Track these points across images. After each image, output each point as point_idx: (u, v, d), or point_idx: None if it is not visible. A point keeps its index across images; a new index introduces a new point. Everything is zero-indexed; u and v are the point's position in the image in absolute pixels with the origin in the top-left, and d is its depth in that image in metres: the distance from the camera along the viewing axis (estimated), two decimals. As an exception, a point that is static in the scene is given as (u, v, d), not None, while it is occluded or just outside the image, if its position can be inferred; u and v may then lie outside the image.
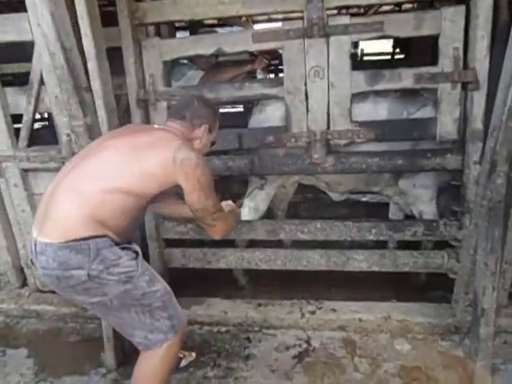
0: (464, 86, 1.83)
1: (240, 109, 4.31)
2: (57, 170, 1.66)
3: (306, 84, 1.95)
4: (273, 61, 2.41)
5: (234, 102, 2.99)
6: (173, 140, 1.40)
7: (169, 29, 2.83)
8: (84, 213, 1.28)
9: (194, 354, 1.95)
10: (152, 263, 2.26)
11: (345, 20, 1.85)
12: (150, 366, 1.45)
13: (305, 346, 1.99)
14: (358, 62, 4.83)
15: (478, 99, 1.79)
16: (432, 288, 2.33)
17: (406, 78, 1.88)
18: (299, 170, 2.09)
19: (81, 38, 1.76)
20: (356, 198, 3.25)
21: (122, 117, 2.11)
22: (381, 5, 3.69)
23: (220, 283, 2.47)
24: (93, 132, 1.73)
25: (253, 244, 2.37)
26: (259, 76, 2.50)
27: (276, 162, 2.08)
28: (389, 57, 5.20)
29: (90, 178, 1.33)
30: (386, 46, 5.90)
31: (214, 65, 2.54)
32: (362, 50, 7.43)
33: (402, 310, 2.06)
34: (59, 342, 2.15)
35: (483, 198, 1.75)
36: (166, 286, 1.48)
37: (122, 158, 1.35)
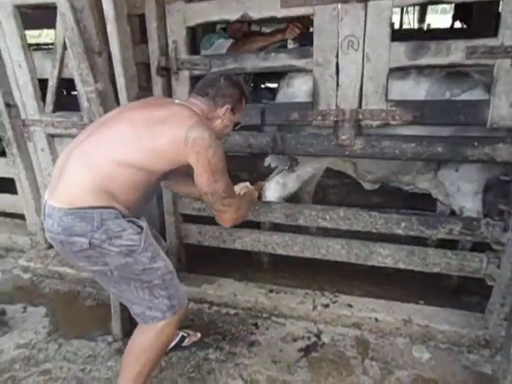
0: (527, 63, 1.53)
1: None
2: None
3: (337, 56, 1.74)
4: (308, 30, 2.19)
5: (260, 74, 2.81)
6: (189, 118, 1.34)
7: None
8: (94, 182, 1.27)
9: (198, 335, 1.91)
10: (168, 237, 2.23)
11: (387, -19, 1.60)
12: (143, 341, 1.45)
13: (314, 339, 1.87)
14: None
15: (544, 80, 1.49)
16: (466, 292, 2.09)
17: (456, 52, 1.61)
18: (324, 152, 1.91)
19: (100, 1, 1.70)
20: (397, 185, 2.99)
21: (145, 87, 2.04)
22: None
23: (239, 262, 2.40)
24: (106, 99, 1.67)
25: (275, 226, 2.27)
26: (290, 47, 2.31)
27: (300, 142, 1.91)
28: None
29: (103, 149, 1.31)
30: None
31: (245, 34, 2.37)
32: (429, 25, 6.93)
33: (425, 313, 1.86)
34: (76, 305, 2.22)
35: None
36: (169, 265, 1.45)
37: (136, 132, 1.32)
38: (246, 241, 2.15)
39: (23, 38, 2.10)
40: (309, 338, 1.88)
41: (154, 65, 1.97)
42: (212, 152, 1.31)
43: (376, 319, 1.87)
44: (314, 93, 1.82)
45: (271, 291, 2.08)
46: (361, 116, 1.78)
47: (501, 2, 1.53)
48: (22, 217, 2.69)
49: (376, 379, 1.64)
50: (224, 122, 1.48)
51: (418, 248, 1.93)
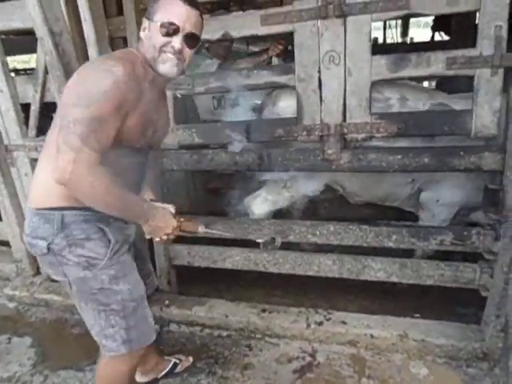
0: (507, 71, 1.54)
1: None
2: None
3: (319, 71, 1.74)
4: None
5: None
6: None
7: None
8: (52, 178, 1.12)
9: (190, 359, 1.85)
10: (157, 259, 2.18)
11: (364, -3, 1.62)
12: (98, 374, 1.36)
13: (308, 359, 1.82)
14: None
15: (524, 88, 1.51)
16: (462, 303, 2.05)
17: (437, 63, 1.62)
18: (311, 167, 1.90)
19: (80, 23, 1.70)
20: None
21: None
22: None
23: (231, 280, 2.35)
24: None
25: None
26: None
27: (286, 157, 1.90)
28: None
29: None
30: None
31: (229, 55, 2.39)
32: (412, 39, 7.09)
33: (421, 328, 1.82)
34: (63, 333, 2.15)
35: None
36: (135, 292, 1.28)
37: None
38: (237, 260, 2.11)
39: (5, 63, 2.08)
40: (303, 358, 1.82)
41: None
42: (85, 69, 1.13)
43: (371, 335, 1.82)
44: (298, 108, 1.82)
45: (264, 311, 2.03)
46: (346, 130, 1.77)
47: (477, 13, 1.54)
48: (7, 244, 2.63)
49: (374, 399, 1.59)
50: (147, 35, 1.17)
51: (410, 260, 1.90)
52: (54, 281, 2.41)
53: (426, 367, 1.71)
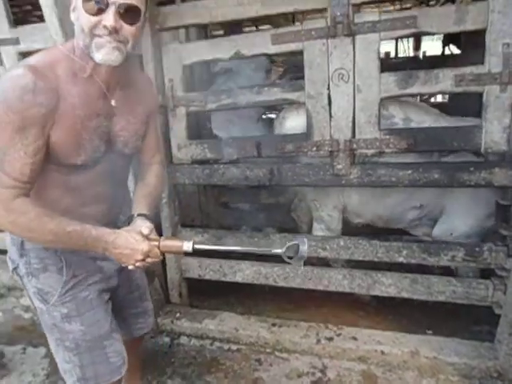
0: (516, 88, 1.55)
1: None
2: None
3: (328, 88, 1.78)
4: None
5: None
6: None
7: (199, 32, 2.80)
8: None
9: None
10: (168, 272, 2.22)
11: (373, 16, 1.65)
12: None
13: (319, 375, 1.81)
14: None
15: (533, 104, 1.51)
16: (476, 320, 2.02)
17: (445, 80, 1.64)
18: (321, 182, 1.92)
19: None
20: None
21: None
22: None
23: (242, 294, 2.36)
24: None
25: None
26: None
27: (296, 172, 1.93)
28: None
29: None
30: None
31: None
32: (425, 52, 7.12)
33: (433, 345, 1.79)
34: (76, 345, 2.18)
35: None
36: (92, 332, 1.14)
37: None
38: (248, 273, 2.13)
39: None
40: (313, 374, 1.81)
41: (152, 103, 2.02)
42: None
43: (382, 352, 1.80)
44: (308, 124, 1.85)
45: (274, 325, 2.03)
46: (355, 145, 1.79)
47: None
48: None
49: (385, 417, 1.57)
50: (75, 17, 0.96)
51: (421, 276, 1.89)
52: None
53: (438, 385, 1.69)
